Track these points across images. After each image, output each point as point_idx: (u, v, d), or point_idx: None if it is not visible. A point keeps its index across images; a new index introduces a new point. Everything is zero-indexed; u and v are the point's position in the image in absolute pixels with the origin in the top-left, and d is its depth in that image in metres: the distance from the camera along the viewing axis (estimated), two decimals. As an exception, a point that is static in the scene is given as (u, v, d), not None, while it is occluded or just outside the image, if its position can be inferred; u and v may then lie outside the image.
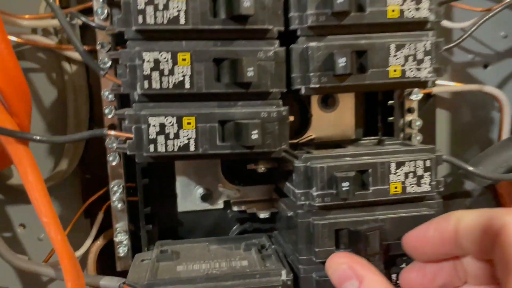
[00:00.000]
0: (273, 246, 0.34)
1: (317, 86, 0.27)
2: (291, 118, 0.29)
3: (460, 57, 0.42)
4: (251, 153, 0.27)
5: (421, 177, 0.28)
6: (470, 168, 0.34)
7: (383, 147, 0.32)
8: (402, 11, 0.28)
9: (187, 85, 0.27)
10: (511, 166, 0.36)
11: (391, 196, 0.28)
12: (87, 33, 0.36)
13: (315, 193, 0.27)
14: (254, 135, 0.26)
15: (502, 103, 0.39)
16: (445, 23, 0.38)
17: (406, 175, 0.28)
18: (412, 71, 0.28)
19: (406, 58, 0.28)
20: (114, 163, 0.34)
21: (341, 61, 0.26)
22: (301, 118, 0.38)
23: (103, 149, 0.33)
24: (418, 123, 0.38)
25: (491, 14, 0.37)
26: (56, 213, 0.29)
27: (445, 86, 0.39)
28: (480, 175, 0.34)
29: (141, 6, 0.26)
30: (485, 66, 0.42)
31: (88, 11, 0.33)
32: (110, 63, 0.32)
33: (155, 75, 0.26)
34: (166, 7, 0.26)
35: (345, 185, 0.27)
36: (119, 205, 0.35)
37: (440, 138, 0.42)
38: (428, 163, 0.28)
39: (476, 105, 0.43)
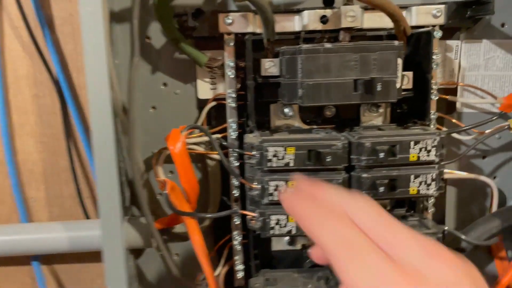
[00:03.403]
0: (335, 277, 0.55)
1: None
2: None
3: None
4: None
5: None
6: (463, 237, 0.53)
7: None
8: (418, 157, 0.47)
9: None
10: (493, 234, 0.55)
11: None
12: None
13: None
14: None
15: (492, 187, 0.58)
16: (456, 135, 0.56)
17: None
18: (423, 190, 0.48)
19: (420, 182, 0.48)
20: (237, 223, 0.57)
21: (381, 188, 0.46)
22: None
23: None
24: (432, 199, 0.57)
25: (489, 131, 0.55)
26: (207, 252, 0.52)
27: (453, 173, 0.58)
28: (470, 242, 0.54)
29: (269, 157, 0.46)
30: (484, 157, 0.61)
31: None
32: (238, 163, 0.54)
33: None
34: (283, 157, 0.46)
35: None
36: (238, 247, 0.57)
37: (449, 205, 0.61)
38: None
39: (476, 185, 0.62)
